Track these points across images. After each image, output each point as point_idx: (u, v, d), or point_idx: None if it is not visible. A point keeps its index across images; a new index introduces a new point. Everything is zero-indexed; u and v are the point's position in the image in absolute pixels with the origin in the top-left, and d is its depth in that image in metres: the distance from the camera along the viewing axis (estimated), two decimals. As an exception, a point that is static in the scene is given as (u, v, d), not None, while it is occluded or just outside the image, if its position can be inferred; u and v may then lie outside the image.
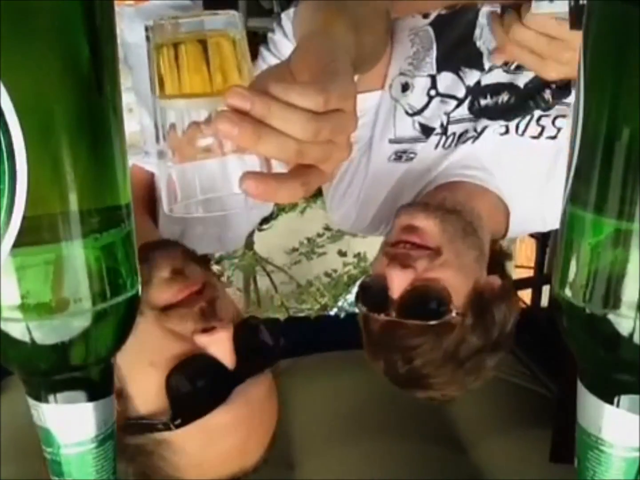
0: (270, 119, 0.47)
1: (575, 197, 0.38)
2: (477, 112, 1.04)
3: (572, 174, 0.39)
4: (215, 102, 0.50)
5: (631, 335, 0.37)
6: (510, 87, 1.03)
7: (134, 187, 1.04)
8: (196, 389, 0.76)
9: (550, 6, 0.99)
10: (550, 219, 1.09)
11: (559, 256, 0.40)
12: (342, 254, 4.45)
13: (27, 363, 0.39)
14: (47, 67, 0.35)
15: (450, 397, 1.04)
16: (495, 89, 1.04)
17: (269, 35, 1.04)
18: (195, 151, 0.52)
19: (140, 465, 0.79)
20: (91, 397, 0.40)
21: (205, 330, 0.76)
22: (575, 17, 0.75)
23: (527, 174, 1.06)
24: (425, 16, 1.04)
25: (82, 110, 0.36)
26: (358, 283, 1.02)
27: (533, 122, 1.03)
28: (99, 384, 0.41)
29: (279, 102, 0.48)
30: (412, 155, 1.07)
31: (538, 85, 1.02)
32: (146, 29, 0.53)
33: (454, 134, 1.06)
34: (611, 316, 0.37)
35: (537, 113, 1.02)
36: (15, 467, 1.17)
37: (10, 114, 0.34)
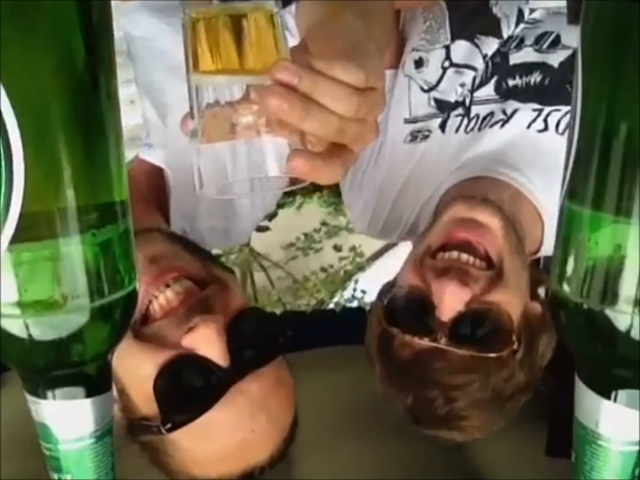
0: (317, 94, 0.46)
1: (573, 193, 0.39)
2: (505, 93, 0.95)
3: (569, 169, 0.39)
4: (251, 78, 0.49)
5: (628, 330, 0.37)
6: (542, 66, 0.94)
7: (139, 181, 0.99)
8: (185, 391, 0.73)
9: (548, 1, 0.98)
10: None
11: (557, 252, 0.40)
12: (337, 248, 4.45)
13: (25, 359, 0.39)
14: (43, 64, 0.35)
15: (470, 439, 0.91)
16: (526, 68, 0.94)
17: None
18: (229, 131, 0.50)
19: (150, 460, 0.79)
20: (89, 393, 0.40)
21: (189, 331, 0.71)
22: (573, 12, 0.75)
23: None
24: None
25: (78, 108, 0.36)
26: (387, 298, 0.86)
27: None
28: (97, 380, 0.41)
29: (325, 77, 0.47)
30: (427, 133, 0.99)
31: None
32: (182, 5, 0.50)
33: (477, 115, 0.97)
34: (609, 312, 0.37)
35: None
36: (15, 464, 1.17)
37: (7, 112, 0.34)
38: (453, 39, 0.97)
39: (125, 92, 0.89)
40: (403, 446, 1.53)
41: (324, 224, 4.46)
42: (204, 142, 0.50)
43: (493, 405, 0.83)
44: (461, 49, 0.97)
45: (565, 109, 0.92)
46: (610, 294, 0.37)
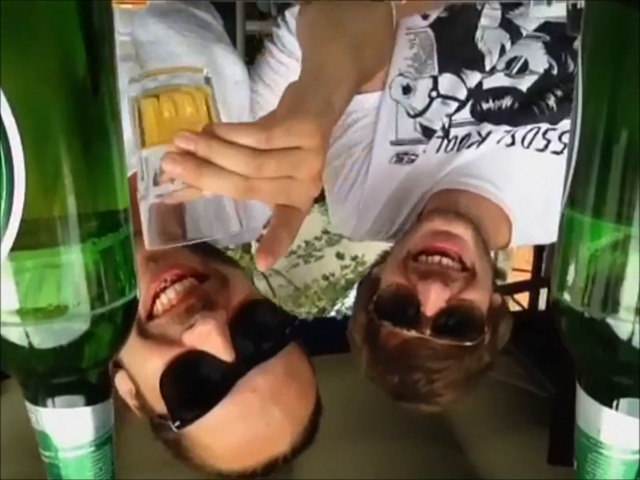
0: (213, 157, 0.51)
1: (573, 200, 0.38)
2: (479, 116, 1.03)
3: (570, 177, 0.39)
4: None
5: (630, 338, 0.37)
6: (513, 91, 1.02)
7: None
8: (191, 388, 0.74)
9: (548, 10, 0.99)
10: (554, 231, 1.07)
11: (558, 260, 0.40)
12: (339, 256, 4.45)
13: (26, 367, 0.39)
14: (44, 69, 0.35)
15: (444, 410, 1.02)
16: (498, 92, 1.02)
17: (274, 29, 1.04)
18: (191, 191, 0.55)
19: (174, 456, 0.80)
20: (89, 401, 0.40)
21: (189, 328, 0.73)
22: (573, 21, 0.75)
23: (532, 188, 1.04)
24: (425, 17, 1.03)
25: (78, 114, 0.36)
26: (376, 295, 0.95)
27: (539, 135, 1.01)
28: (97, 387, 0.41)
29: (221, 141, 0.52)
30: (413, 157, 1.06)
31: (541, 90, 1.01)
32: (128, 89, 0.57)
33: (455, 137, 1.05)
34: (610, 320, 0.37)
35: (545, 126, 1.01)
36: (15, 468, 1.17)
37: (8, 117, 0.34)
38: (440, 71, 1.03)
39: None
40: (403, 450, 1.53)
41: (325, 232, 4.47)
42: (170, 201, 0.56)
43: (465, 382, 0.94)
44: (448, 82, 1.03)
45: (530, 126, 1.02)
46: (611, 303, 0.37)
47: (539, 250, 2.51)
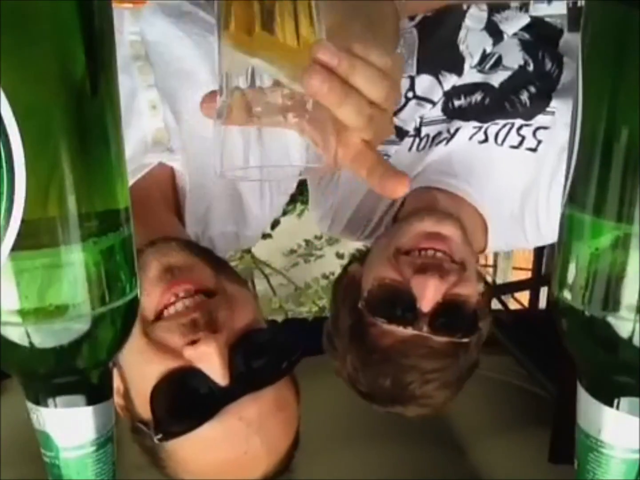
0: (354, 78, 0.45)
1: (574, 199, 0.38)
2: (451, 113, 1.02)
3: (570, 175, 0.39)
4: (284, 58, 0.46)
5: (631, 337, 0.37)
6: (484, 86, 1.00)
7: (159, 185, 0.99)
8: (179, 405, 0.73)
9: (548, 8, 0.99)
10: (532, 236, 1.06)
11: (558, 258, 0.40)
12: (339, 255, 4.45)
13: (26, 367, 0.39)
14: (44, 71, 0.35)
15: (432, 413, 0.99)
16: (469, 89, 1.01)
17: None
18: (255, 115, 0.48)
19: (150, 462, 0.80)
20: (90, 401, 0.40)
21: (192, 343, 0.72)
22: (573, 19, 0.75)
23: (507, 186, 1.02)
24: (411, 18, 1.02)
25: (78, 115, 0.36)
26: (366, 291, 0.93)
27: (513, 131, 1.00)
28: (98, 387, 0.41)
29: (363, 60, 0.46)
30: (385, 157, 1.05)
31: (515, 85, 0.99)
32: None
33: (427, 135, 1.03)
34: (611, 319, 0.37)
35: (519, 122, 0.99)
36: (15, 470, 1.17)
37: (8, 118, 0.34)
38: (418, 72, 1.01)
39: (147, 96, 0.89)
40: (405, 450, 1.53)
41: (325, 230, 4.45)
42: (225, 124, 0.48)
43: (456, 382, 0.92)
44: (425, 83, 1.01)
45: (502, 122, 1.00)
46: (612, 301, 0.37)
47: (539, 248, 2.51)
